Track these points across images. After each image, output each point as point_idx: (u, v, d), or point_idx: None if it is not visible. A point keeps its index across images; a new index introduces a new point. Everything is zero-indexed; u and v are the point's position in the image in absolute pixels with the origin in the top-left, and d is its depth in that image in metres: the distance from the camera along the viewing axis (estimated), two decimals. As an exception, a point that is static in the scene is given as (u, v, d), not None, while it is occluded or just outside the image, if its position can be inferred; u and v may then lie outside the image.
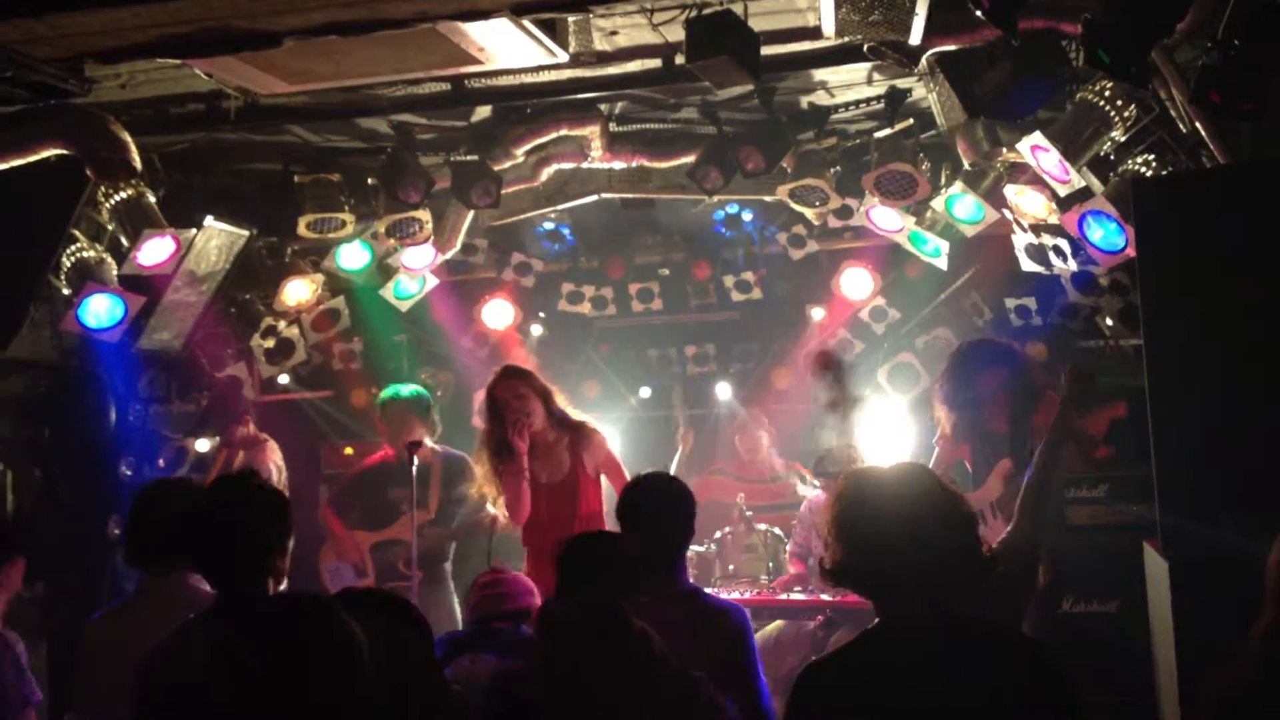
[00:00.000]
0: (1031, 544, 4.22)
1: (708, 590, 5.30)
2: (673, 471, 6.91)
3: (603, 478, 6.64)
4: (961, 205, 7.02)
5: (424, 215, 7.68)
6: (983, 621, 2.94)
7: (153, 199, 7.28)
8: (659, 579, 4.49)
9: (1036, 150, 6.10)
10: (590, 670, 3.07)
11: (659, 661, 3.15)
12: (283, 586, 3.87)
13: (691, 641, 3.99)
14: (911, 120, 7.04)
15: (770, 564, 7.76)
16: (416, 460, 6.81)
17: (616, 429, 9.07)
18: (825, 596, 6.93)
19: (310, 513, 8.32)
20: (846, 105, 7.15)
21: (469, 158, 7.40)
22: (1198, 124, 5.50)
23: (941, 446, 6.59)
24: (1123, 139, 6.14)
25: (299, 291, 8.38)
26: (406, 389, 7.73)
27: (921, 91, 6.66)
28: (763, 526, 7.98)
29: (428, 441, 7.50)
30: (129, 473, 8.07)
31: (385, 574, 7.42)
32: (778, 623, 7.28)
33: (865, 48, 5.74)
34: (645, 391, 9.72)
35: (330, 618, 2.43)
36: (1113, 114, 5.98)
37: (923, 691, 2.80)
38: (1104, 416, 6.42)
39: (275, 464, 7.93)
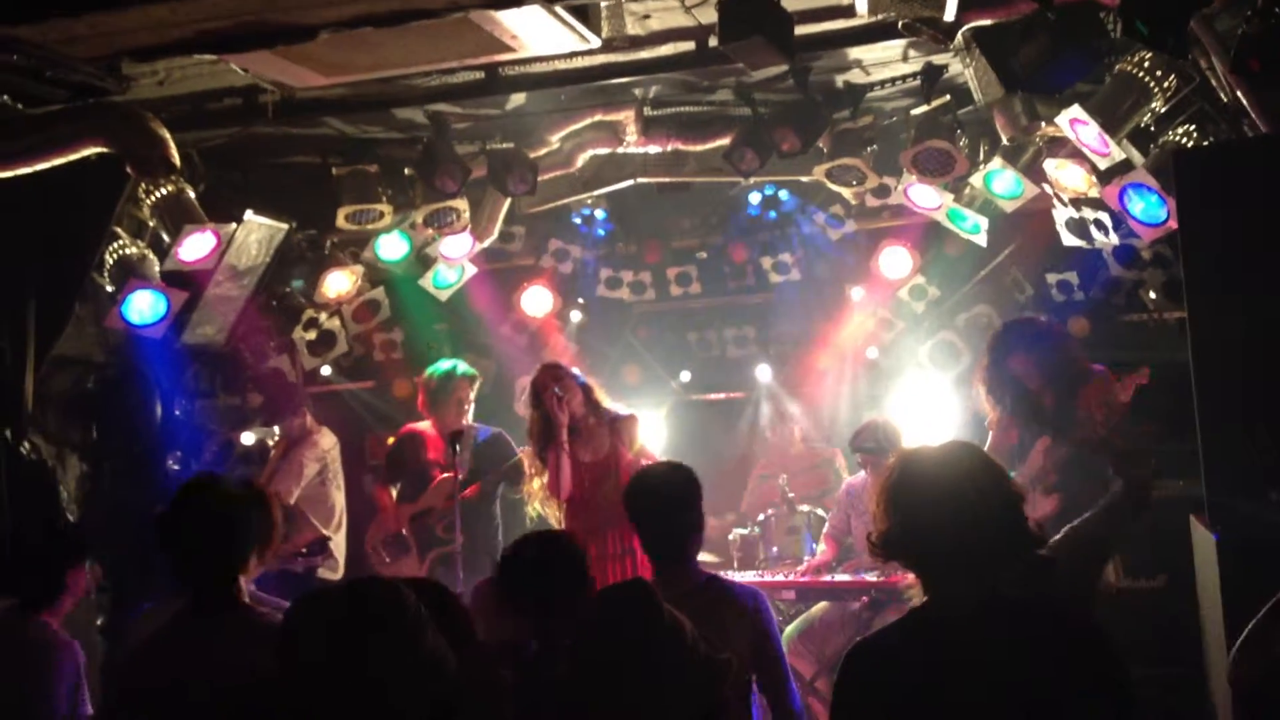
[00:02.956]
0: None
1: (727, 575, 5.28)
2: None
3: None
4: (1000, 181, 6.97)
5: (461, 204, 7.70)
6: (1031, 600, 2.93)
7: (192, 195, 7.35)
8: (672, 573, 4.44)
9: (1075, 123, 6.06)
10: (620, 656, 3.08)
11: (690, 648, 3.16)
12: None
13: (714, 631, 3.99)
14: (948, 96, 6.99)
15: (814, 545, 7.77)
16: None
17: (658, 413, 9.11)
18: (869, 577, 6.92)
19: (357, 503, 8.39)
20: (882, 83, 7.11)
21: (505, 145, 7.42)
22: (1239, 93, 5.43)
23: (994, 431, 6.54)
24: (1163, 110, 6.09)
25: (339, 283, 8.42)
26: (462, 365, 7.77)
27: (958, 67, 6.61)
28: (805, 508, 7.98)
29: (468, 420, 7.63)
30: (176, 467, 8.15)
31: (426, 543, 7.43)
32: (823, 604, 7.28)
33: (900, 24, 5.70)
34: (685, 375, 9.73)
35: (395, 599, 2.46)
36: (1152, 85, 5.92)
37: (971, 670, 2.79)
38: (1129, 384, 6.35)
39: (314, 458, 7.97)
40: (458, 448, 6.99)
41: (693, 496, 4.54)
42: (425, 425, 7.72)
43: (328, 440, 8.18)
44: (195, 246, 7.15)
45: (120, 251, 7.31)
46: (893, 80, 7.09)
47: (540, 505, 6.77)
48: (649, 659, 3.00)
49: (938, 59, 6.72)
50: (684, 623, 3.13)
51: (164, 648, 3.62)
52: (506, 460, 7.45)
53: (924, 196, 7.43)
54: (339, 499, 8.16)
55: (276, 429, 8.24)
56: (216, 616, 3.56)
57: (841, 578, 7.14)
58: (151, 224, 7.46)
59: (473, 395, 7.65)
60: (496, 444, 7.57)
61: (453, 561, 6.99)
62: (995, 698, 2.77)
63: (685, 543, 4.50)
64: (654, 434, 9.05)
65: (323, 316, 8.70)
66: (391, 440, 7.97)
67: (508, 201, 8.08)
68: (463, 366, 7.71)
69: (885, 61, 6.85)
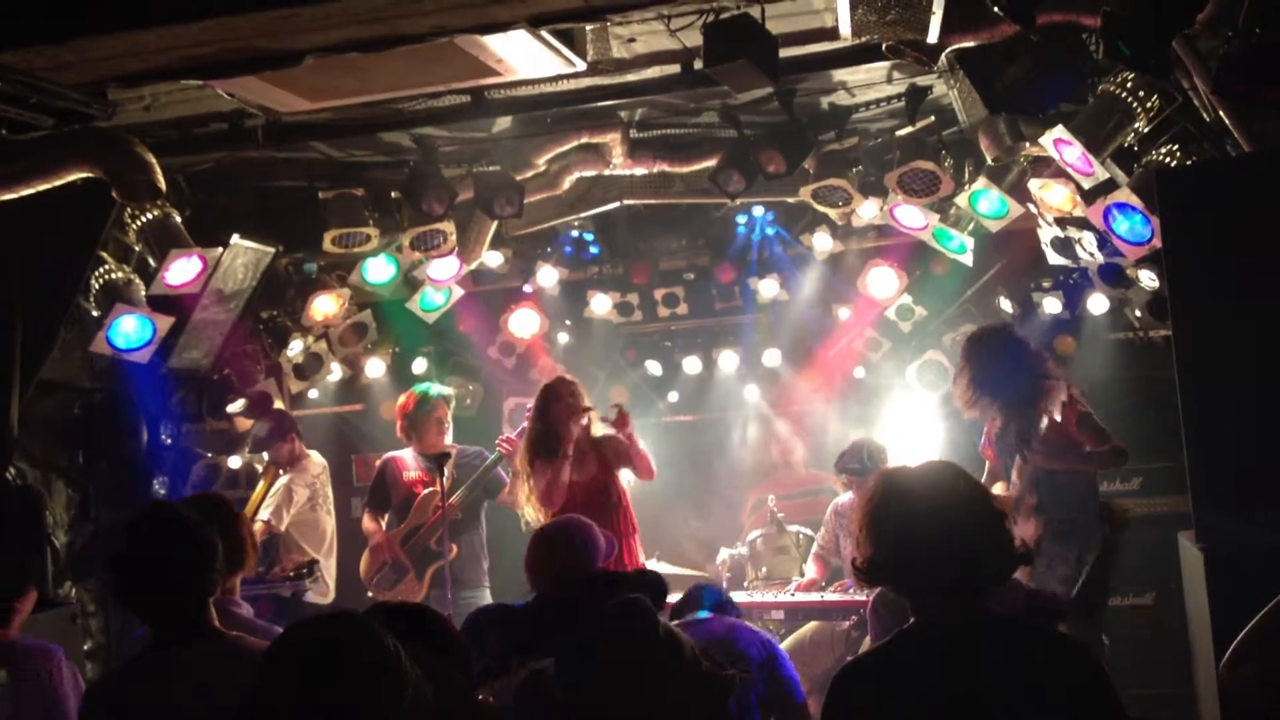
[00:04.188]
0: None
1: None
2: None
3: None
4: (985, 201, 7.00)
5: (448, 227, 7.70)
6: (1018, 620, 2.93)
7: (179, 219, 7.32)
8: None
9: (1060, 144, 6.08)
10: (617, 671, 3.07)
11: (689, 662, 3.15)
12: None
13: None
14: (933, 117, 7.03)
15: (803, 566, 7.77)
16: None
17: (646, 435, 9.11)
18: (859, 596, 6.92)
19: (345, 525, 8.36)
20: (867, 104, 7.14)
21: (491, 168, 7.42)
22: (1221, 113, 5.46)
23: (989, 457, 6.57)
24: (1146, 130, 6.11)
25: (326, 306, 8.42)
26: (436, 387, 7.79)
27: (942, 88, 6.64)
28: (794, 528, 7.98)
29: (449, 440, 7.64)
30: (163, 491, 8.14)
31: (422, 560, 7.37)
32: (812, 623, 7.28)
33: (884, 47, 5.73)
34: (673, 396, 9.74)
35: (367, 635, 2.44)
36: (1135, 105, 5.95)
37: (960, 690, 2.79)
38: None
39: (304, 484, 7.97)
40: (445, 468, 6.99)
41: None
42: (404, 452, 7.71)
43: (316, 466, 8.18)
44: (181, 271, 7.13)
45: (106, 276, 7.29)
46: (877, 102, 7.12)
47: (532, 513, 6.75)
48: (646, 674, 3.00)
49: (922, 80, 6.74)
50: (682, 638, 3.12)
51: (130, 680, 3.52)
52: (490, 477, 7.45)
53: (910, 217, 7.45)
54: (329, 524, 8.15)
55: (265, 454, 8.23)
56: (184, 646, 3.45)
57: (830, 597, 7.14)
58: (137, 248, 7.44)
59: (450, 414, 7.67)
60: (480, 463, 7.56)
61: (444, 574, 7.00)
62: (985, 717, 2.77)
63: None
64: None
65: (310, 339, 8.69)
66: (376, 469, 7.94)
67: (494, 224, 8.08)
68: (437, 388, 7.74)
69: (870, 83, 6.87)
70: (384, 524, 7.56)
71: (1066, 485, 6.07)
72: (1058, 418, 5.99)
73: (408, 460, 7.64)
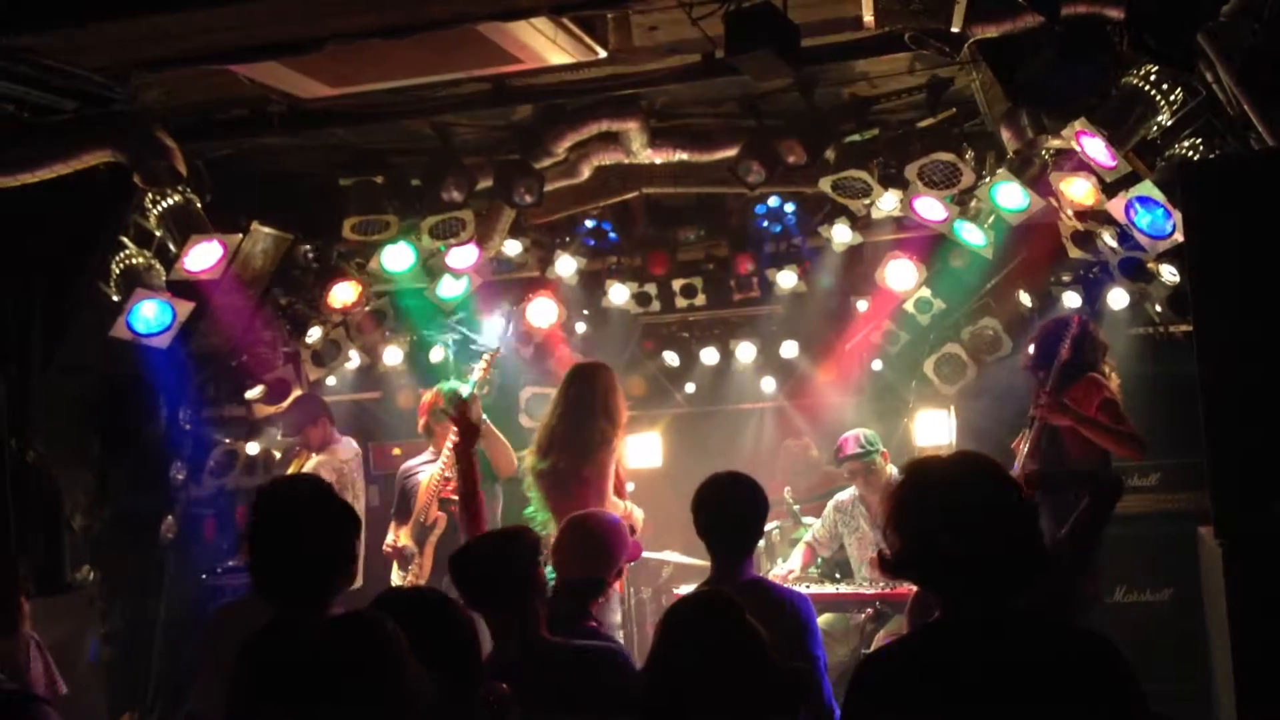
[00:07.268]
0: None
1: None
2: None
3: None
4: (1006, 193, 6.96)
5: (467, 215, 7.70)
6: (1044, 616, 2.90)
7: (199, 204, 7.35)
8: (725, 572, 4.61)
9: (1082, 136, 6.05)
10: (699, 661, 3.06)
11: (767, 656, 3.14)
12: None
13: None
14: (954, 109, 7.00)
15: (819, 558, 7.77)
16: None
17: (662, 425, 9.13)
18: (872, 589, 6.94)
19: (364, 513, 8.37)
20: (888, 95, 7.11)
21: (511, 157, 7.42)
22: (1245, 106, 5.42)
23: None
24: (1169, 123, 6.08)
25: (345, 293, 8.43)
26: (464, 386, 7.78)
27: (964, 80, 6.62)
28: (809, 520, 7.98)
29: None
30: (180, 476, 8.17)
31: (420, 536, 7.34)
32: (826, 615, 7.27)
33: (906, 36, 5.71)
34: (690, 387, 9.73)
35: (371, 632, 2.44)
36: (1159, 98, 5.91)
37: (984, 687, 2.77)
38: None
39: (330, 468, 7.97)
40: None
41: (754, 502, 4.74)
42: (419, 459, 7.69)
43: (346, 451, 8.17)
44: (201, 256, 7.15)
45: (126, 261, 7.31)
46: (899, 93, 7.09)
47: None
48: (725, 666, 2.98)
49: (944, 71, 6.71)
50: (762, 634, 3.11)
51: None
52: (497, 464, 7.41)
53: (930, 209, 7.42)
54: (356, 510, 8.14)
55: (295, 437, 8.25)
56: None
57: (846, 589, 7.14)
58: (158, 233, 7.45)
59: None
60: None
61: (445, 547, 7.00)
62: (1009, 712, 2.75)
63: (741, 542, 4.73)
64: (658, 445, 9.06)
65: (328, 326, 8.70)
66: (398, 477, 7.91)
67: (513, 213, 8.07)
68: (465, 388, 7.72)
69: (891, 74, 6.84)
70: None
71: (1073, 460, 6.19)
72: (1065, 354, 6.26)
73: (424, 471, 7.64)
